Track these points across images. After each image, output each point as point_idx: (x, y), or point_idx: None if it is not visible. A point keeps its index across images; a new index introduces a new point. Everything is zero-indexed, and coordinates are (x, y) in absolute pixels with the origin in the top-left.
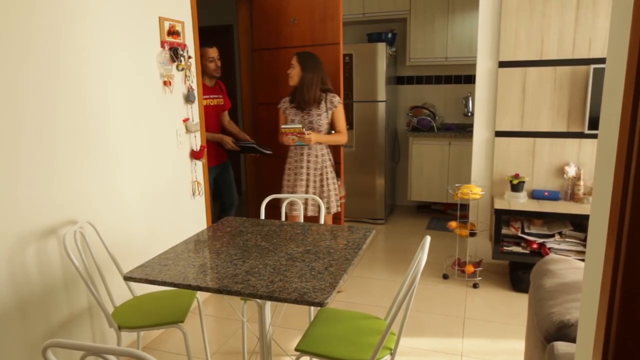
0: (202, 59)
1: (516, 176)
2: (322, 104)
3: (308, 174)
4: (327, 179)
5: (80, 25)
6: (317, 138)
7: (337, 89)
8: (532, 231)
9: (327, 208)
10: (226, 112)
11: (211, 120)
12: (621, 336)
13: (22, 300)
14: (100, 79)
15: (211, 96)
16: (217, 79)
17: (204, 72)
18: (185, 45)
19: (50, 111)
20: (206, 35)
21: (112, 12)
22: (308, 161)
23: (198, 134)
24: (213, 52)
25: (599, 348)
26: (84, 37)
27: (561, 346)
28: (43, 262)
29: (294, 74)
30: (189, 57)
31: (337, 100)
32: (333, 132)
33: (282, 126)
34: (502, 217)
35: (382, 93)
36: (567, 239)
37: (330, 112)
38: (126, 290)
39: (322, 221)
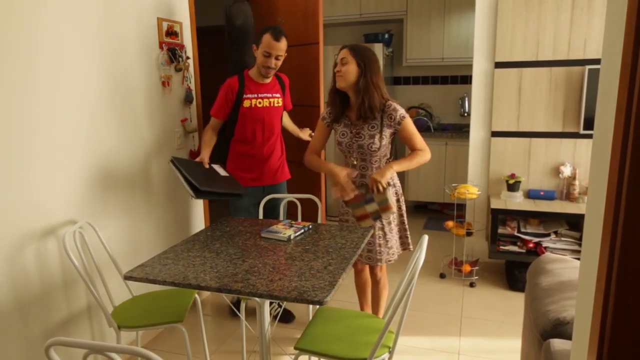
0: (260, 47)
1: (512, 176)
2: (377, 121)
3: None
4: (391, 222)
5: (80, 26)
6: (398, 168)
7: (316, 93)
8: (528, 230)
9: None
10: (285, 113)
11: (255, 126)
12: (616, 333)
13: (21, 300)
14: (99, 79)
15: (259, 95)
16: (277, 73)
17: (257, 63)
18: (183, 46)
19: (50, 112)
20: (202, 36)
21: (111, 14)
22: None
23: (196, 135)
24: (273, 47)
25: (594, 345)
26: (83, 38)
27: (557, 343)
28: (42, 262)
29: (347, 71)
30: (187, 58)
31: (401, 114)
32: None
33: (351, 207)
34: (499, 216)
35: None
36: (563, 238)
37: (389, 131)
38: (125, 290)
39: (319, 220)
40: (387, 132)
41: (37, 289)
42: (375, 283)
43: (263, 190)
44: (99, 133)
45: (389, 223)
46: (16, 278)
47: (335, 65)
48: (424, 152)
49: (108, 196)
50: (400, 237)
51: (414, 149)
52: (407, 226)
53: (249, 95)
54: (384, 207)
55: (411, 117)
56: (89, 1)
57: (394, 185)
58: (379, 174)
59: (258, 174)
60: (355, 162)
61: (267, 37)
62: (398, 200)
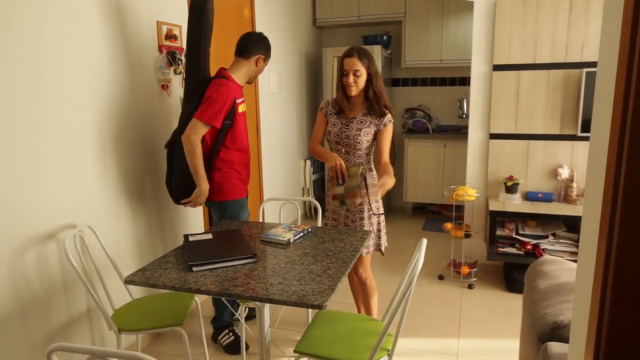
0: (267, 61)
1: (510, 178)
2: (368, 117)
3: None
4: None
5: (80, 30)
6: (390, 184)
7: None
8: (526, 232)
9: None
10: None
11: (245, 132)
12: (612, 337)
13: (22, 303)
14: (99, 82)
15: (242, 100)
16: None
17: (252, 74)
18: (182, 49)
19: (50, 116)
20: None
21: (110, 18)
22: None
23: None
24: None
25: (590, 348)
26: (83, 42)
27: (555, 346)
28: (43, 265)
29: (361, 82)
30: None
31: (389, 117)
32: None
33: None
34: (497, 218)
35: None
36: (561, 240)
37: (374, 129)
38: (125, 293)
39: (319, 223)
40: (372, 129)
41: (37, 292)
42: (362, 284)
43: (246, 198)
44: (99, 136)
45: (361, 218)
46: (17, 282)
47: (345, 73)
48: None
49: (108, 199)
50: (376, 238)
51: (380, 153)
52: (382, 227)
53: (239, 100)
54: (350, 192)
55: (410, 118)
56: (89, 5)
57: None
58: (388, 181)
59: (248, 182)
60: (343, 149)
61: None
62: (377, 201)
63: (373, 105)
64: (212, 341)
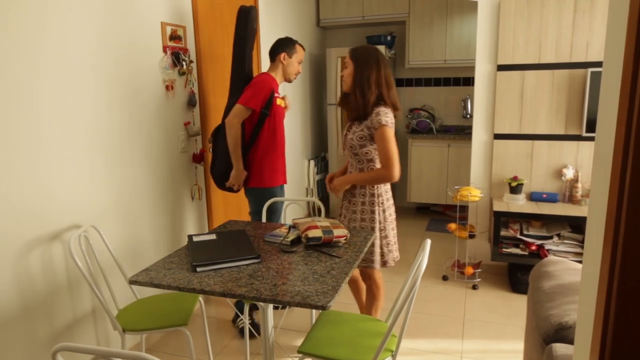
0: (293, 56)
1: (515, 178)
2: (364, 120)
3: (354, 212)
4: (380, 222)
5: (84, 31)
6: (354, 181)
7: None
8: (531, 233)
9: (372, 261)
10: None
11: (282, 124)
12: (617, 338)
13: (26, 303)
14: (103, 83)
15: (281, 95)
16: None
17: (284, 72)
18: (187, 50)
19: (54, 117)
20: None
21: (114, 19)
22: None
23: (199, 138)
24: (303, 56)
25: (596, 350)
26: (87, 42)
27: (559, 348)
28: (48, 265)
29: (347, 74)
30: (191, 62)
31: (379, 119)
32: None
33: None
34: (501, 219)
35: None
36: (566, 241)
37: (369, 133)
38: (130, 293)
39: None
40: (365, 132)
41: (42, 292)
42: (369, 290)
43: (282, 187)
44: (102, 137)
45: (372, 228)
46: (22, 282)
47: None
48: (383, 171)
49: (112, 200)
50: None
51: (380, 160)
52: (386, 243)
53: (277, 95)
54: (328, 237)
55: (414, 118)
56: (93, 6)
57: (380, 195)
58: (339, 182)
59: (284, 172)
60: (351, 154)
61: (300, 48)
62: (384, 211)
63: (355, 96)
64: (232, 323)
